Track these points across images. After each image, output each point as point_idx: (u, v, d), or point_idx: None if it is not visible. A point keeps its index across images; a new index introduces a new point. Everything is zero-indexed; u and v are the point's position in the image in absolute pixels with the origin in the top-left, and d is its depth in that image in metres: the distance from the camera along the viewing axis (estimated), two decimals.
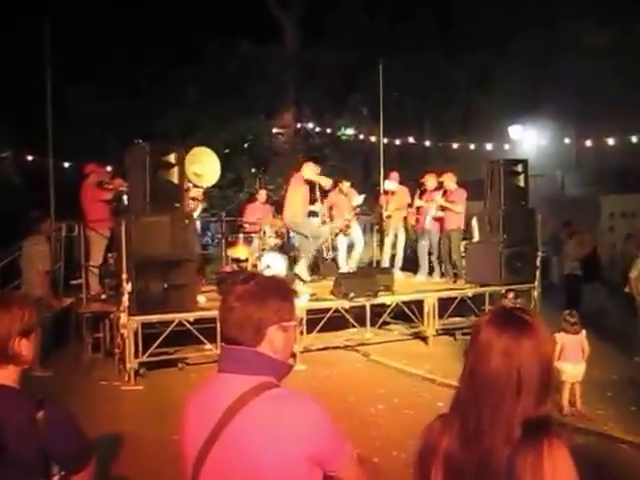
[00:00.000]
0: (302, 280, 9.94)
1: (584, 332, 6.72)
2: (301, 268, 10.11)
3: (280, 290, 1.88)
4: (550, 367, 1.67)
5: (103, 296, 9.74)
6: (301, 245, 10.36)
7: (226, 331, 1.85)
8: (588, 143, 17.20)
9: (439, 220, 11.33)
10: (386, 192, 12.01)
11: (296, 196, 10.08)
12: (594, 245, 13.95)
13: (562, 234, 13.95)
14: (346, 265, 11.56)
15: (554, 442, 1.56)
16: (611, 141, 16.42)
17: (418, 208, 11.78)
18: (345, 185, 11.55)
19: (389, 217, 11.91)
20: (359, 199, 11.57)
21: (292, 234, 11.28)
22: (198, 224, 11.34)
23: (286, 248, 11.48)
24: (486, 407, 1.63)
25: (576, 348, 6.55)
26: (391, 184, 12.03)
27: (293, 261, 10.97)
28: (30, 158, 18.41)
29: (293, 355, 1.98)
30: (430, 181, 11.63)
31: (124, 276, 7.96)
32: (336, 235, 11.56)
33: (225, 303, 1.85)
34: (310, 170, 10.18)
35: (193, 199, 10.42)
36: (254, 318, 1.80)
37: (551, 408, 1.65)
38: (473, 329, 1.75)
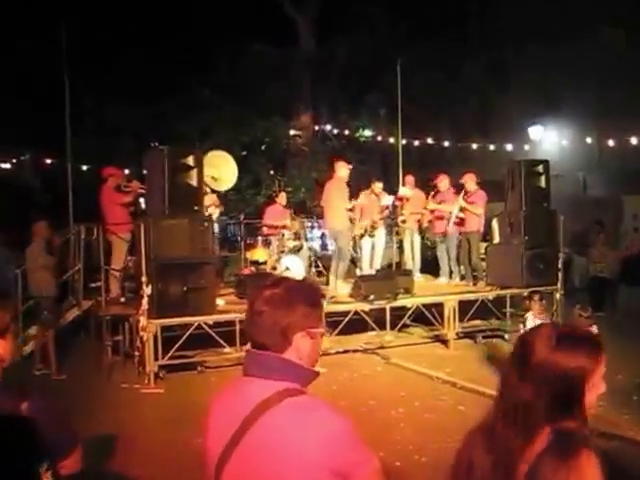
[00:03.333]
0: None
1: (595, 327, 6.82)
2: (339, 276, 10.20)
3: (309, 296, 1.84)
4: (584, 385, 1.61)
5: (122, 299, 9.77)
6: (339, 253, 10.34)
7: (252, 335, 1.82)
8: (610, 143, 17.00)
9: (458, 222, 11.22)
10: (400, 199, 11.98)
11: (340, 202, 10.12)
12: (637, 247, 13.82)
13: (590, 235, 13.80)
14: (369, 267, 11.51)
15: (583, 453, 1.51)
16: (634, 140, 16.22)
17: (432, 210, 11.69)
18: (377, 186, 11.53)
19: (404, 222, 11.88)
20: (388, 199, 11.54)
21: (329, 241, 11.27)
22: (217, 227, 11.32)
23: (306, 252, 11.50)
24: (516, 413, 1.60)
25: None
26: (406, 190, 12.02)
27: (326, 269, 11.01)
28: (49, 161, 18.59)
29: (319, 352, 1.97)
30: (443, 182, 11.55)
31: (143, 279, 7.96)
32: (361, 237, 11.50)
33: (252, 307, 1.81)
34: (345, 169, 10.27)
35: (211, 205, 10.42)
36: (281, 323, 1.76)
37: (583, 421, 1.59)
38: (520, 344, 1.70)
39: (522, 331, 7.90)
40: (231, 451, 1.72)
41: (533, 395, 1.58)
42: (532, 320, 7.87)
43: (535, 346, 1.63)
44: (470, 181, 11.17)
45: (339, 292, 10.03)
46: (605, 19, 16.69)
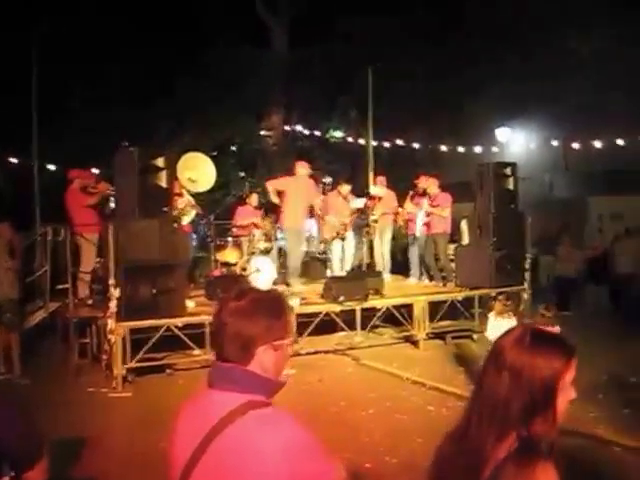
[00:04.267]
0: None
1: (558, 327, 6.89)
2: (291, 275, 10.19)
3: (273, 307, 1.83)
4: (556, 388, 1.63)
5: (90, 301, 9.65)
6: (289, 251, 10.36)
7: (217, 347, 1.82)
8: (575, 146, 17.29)
9: (426, 224, 11.30)
10: (372, 198, 11.99)
11: (296, 201, 10.15)
12: (602, 247, 14.10)
13: (556, 236, 14.03)
14: (340, 269, 11.52)
15: (539, 466, 1.54)
16: (598, 144, 16.51)
17: (409, 212, 11.74)
18: (345, 188, 11.52)
19: (376, 222, 11.89)
20: (359, 202, 11.54)
21: (282, 238, 11.26)
22: (190, 228, 11.27)
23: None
24: (486, 416, 1.61)
25: None
26: (378, 189, 12.03)
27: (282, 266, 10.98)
28: (14, 161, 18.27)
29: (285, 363, 1.95)
30: (424, 183, 11.61)
31: (112, 281, 7.87)
32: (333, 239, 11.50)
33: (217, 319, 1.81)
34: (304, 169, 10.32)
35: (186, 206, 10.35)
36: (244, 336, 1.76)
37: (553, 424, 1.61)
38: (495, 349, 1.71)
39: (485, 332, 8.03)
40: (194, 464, 1.72)
41: (508, 394, 1.60)
42: (494, 320, 8.05)
43: (509, 348, 1.65)
44: (432, 185, 11.26)
45: (295, 289, 10.04)
46: (572, 26, 16.96)
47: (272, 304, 1.85)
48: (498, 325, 7.85)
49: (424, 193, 11.33)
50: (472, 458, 1.61)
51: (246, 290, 1.88)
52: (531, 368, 1.60)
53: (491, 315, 8.22)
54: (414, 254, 11.65)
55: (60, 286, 10.01)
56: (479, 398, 1.66)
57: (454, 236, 11.99)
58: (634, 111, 15.16)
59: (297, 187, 10.50)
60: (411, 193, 11.71)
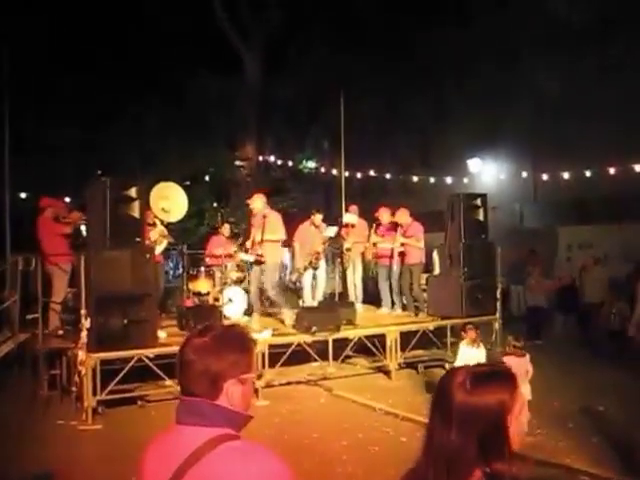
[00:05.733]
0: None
1: (528, 356, 7.41)
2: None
3: (238, 342, 1.86)
4: (505, 416, 1.64)
5: (61, 332, 9.54)
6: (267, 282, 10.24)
7: (183, 383, 1.83)
8: (544, 177, 17.60)
9: (400, 254, 11.36)
10: (346, 225, 12.03)
11: (277, 233, 10.07)
12: (571, 277, 14.30)
13: (526, 265, 14.21)
14: (312, 299, 11.52)
15: None
16: (566, 175, 16.83)
17: (374, 243, 11.81)
18: (317, 217, 11.54)
19: (349, 250, 11.91)
20: (331, 231, 11.57)
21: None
22: (162, 258, 11.21)
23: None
24: (446, 461, 1.61)
25: (522, 371, 7.04)
26: (351, 217, 12.07)
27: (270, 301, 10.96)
28: None
29: (255, 391, 1.94)
30: (385, 215, 11.71)
31: (83, 312, 7.81)
32: (305, 269, 11.50)
33: (182, 356, 1.83)
34: (260, 200, 10.22)
35: (159, 237, 10.31)
36: (211, 372, 1.77)
37: (510, 458, 1.63)
38: (438, 397, 1.71)
39: (455, 362, 8.13)
40: None
41: (459, 440, 1.59)
42: (463, 349, 8.19)
43: (451, 391, 1.65)
44: (403, 215, 11.34)
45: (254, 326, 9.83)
46: (541, 61, 17.37)
47: (237, 339, 1.87)
48: (467, 354, 7.94)
49: (396, 224, 11.41)
50: None
51: (210, 326, 1.90)
52: (477, 412, 1.61)
53: (461, 344, 8.33)
54: (385, 284, 11.69)
55: (30, 316, 9.88)
56: (431, 452, 1.65)
57: (428, 266, 12.09)
58: (602, 143, 15.50)
59: (255, 221, 10.33)
60: (374, 225, 11.80)
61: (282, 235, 10.27)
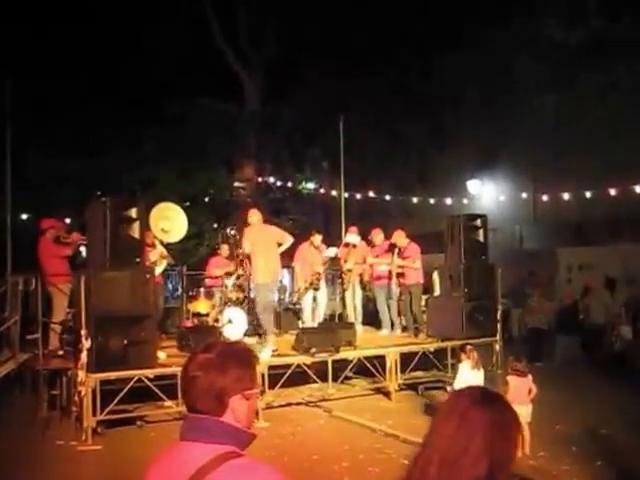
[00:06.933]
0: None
1: (530, 376, 7.34)
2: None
3: (242, 358, 1.87)
4: (510, 438, 1.66)
5: (61, 352, 9.53)
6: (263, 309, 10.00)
7: (188, 400, 1.84)
8: (544, 198, 17.65)
9: (399, 275, 11.36)
10: (347, 245, 12.04)
11: (275, 254, 9.92)
12: (573, 298, 14.28)
13: (527, 287, 14.21)
14: (312, 320, 11.50)
15: None
16: (566, 196, 16.89)
17: (371, 265, 11.82)
18: (317, 238, 11.56)
19: (350, 271, 11.91)
20: (331, 252, 11.57)
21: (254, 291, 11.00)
22: (162, 279, 11.22)
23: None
24: (438, 465, 1.62)
25: (524, 390, 7.10)
26: (353, 237, 12.08)
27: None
28: None
29: (255, 412, 1.96)
30: (378, 237, 11.72)
31: (83, 332, 7.80)
32: (306, 289, 11.49)
33: (186, 372, 1.84)
34: (256, 216, 10.11)
35: (159, 257, 10.32)
36: (216, 388, 1.79)
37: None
38: (449, 402, 1.74)
39: (455, 383, 8.07)
40: None
41: (478, 456, 1.60)
42: (462, 370, 8.08)
43: (471, 411, 1.66)
44: (400, 237, 11.31)
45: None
46: (539, 83, 17.51)
47: (240, 355, 1.88)
48: (466, 376, 7.87)
49: (393, 245, 11.42)
50: None
51: (213, 343, 1.92)
52: (499, 426, 1.63)
53: (460, 366, 8.26)
54: (384, 305, 11.68)
55: (30, 336, 9.88)
56: (438, 450, 1.65)
57: (427, 287, 12.08)
58: (601, 164, 15.59)
59: (247, 238, 10.07)
60: (370, 248, 11.82)
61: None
